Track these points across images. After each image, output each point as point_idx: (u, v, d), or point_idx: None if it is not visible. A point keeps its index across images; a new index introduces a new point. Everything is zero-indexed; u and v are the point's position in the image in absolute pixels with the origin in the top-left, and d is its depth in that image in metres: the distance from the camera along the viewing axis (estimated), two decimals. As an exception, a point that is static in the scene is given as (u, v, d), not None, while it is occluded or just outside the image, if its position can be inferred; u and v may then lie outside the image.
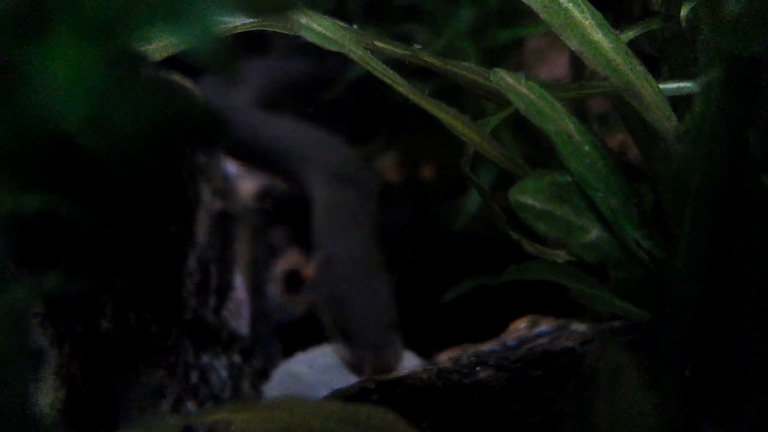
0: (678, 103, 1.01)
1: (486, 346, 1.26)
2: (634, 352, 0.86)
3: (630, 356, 0.84)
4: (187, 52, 0.67)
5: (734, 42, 0.82)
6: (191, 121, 0.71)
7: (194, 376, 1.35)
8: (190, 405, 1.31)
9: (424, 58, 1.04)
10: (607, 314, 1.26)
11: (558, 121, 0.94)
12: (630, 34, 1.05)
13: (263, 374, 1.51)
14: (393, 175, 1.91)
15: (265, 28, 1.03)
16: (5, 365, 0.72)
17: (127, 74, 0.64)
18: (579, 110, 1.34)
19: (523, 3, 1.04)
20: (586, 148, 0.94)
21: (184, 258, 1.38)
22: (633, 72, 1.00)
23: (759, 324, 0.88)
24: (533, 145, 1.55)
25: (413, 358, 1.54)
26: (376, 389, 1.12)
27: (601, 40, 1.01)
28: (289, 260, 1.77)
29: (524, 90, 0.95)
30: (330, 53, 1.05)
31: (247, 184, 1.89)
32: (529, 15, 1.55)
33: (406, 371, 1.19)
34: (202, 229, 1.45)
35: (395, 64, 1.05)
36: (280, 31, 1.03)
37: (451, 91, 1.27)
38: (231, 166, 1.82)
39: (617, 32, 1.03)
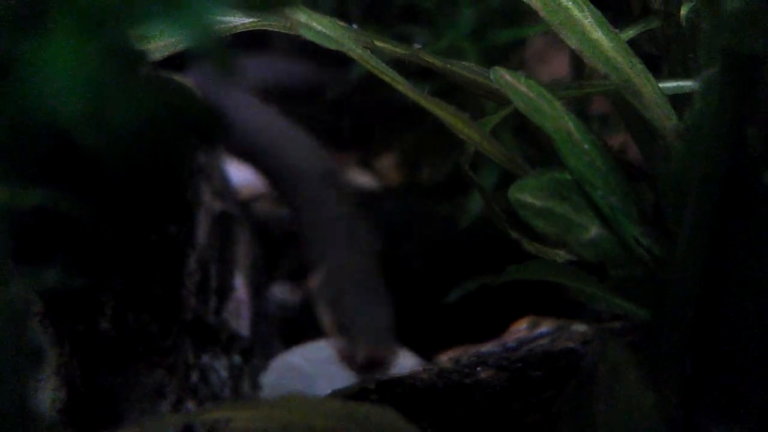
0: (678, 101, 1.01)
1: (486, 347, 1.26)
2: (634, 352, 0.86)
3: (629, 354, 0.84)
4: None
5: (733, 39, 0.82)
6: (190, 119, 0.71)
7: (194, 377, 1.35)
8: (190, 405, 1.31)
9: (424, 58, 1.04)
10: (607, 315, 1.26)
11: (557, 120, 0.94)
12: (630, 33, 1.05)
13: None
14: (393, 175, 1.91)
15: (264, 27, 1.03)
16: (4, 363, 0.72)
17: (125, 70, 0.64)
18: (579, 110, 1.35)
19: (523, 3, 1.04)
20: (586, 146, 0.94)
21: (184, 258, 1.38)
22: (633, 70, 1.00)
23: (758, 321, 0.88)
24: (533, 144, 1.55)
25: (411, 358, 1.54)
26: (376, 388, 1.12)
27: (600, 38, 1.01)
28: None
29: (523, 88, 0.96)
30: (330, 55, 1.05)
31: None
32: (530, 15, 1.55)
33: (407, 371, 1.19)
34: (202, 230, 1.45)
35: (395, 64, 1.05)
36: (279, 30, 1.03)
37: (451, 91, 1.27)
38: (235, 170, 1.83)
39: (617, 31, 1.03)
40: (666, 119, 0.99)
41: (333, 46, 1.02)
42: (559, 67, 1.67)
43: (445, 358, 1.31)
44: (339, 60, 1.05)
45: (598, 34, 1.01)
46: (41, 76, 0.60)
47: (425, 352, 1.55)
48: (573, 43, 1.01)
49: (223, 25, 1.00)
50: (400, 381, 1.14)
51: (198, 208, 1.45)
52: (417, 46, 1.08)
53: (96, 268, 1.21)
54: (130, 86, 0.65)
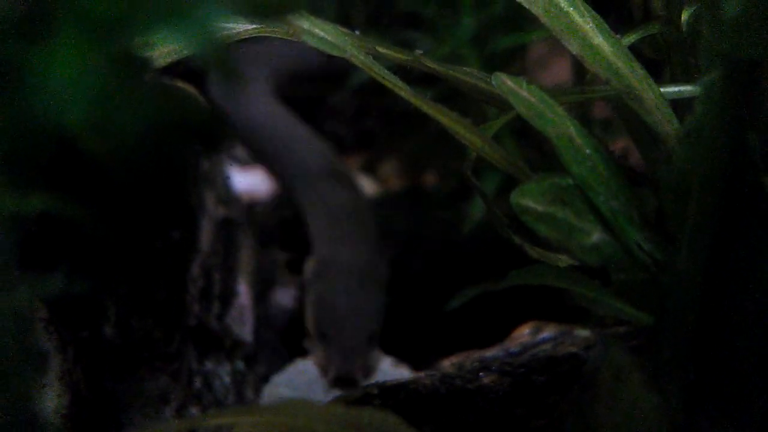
0: (679, 106, 1.01)
1: (489, 352, 1.26)
2: (637, 356, 0.86)
3: (632, 358, 0.84)
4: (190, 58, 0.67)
5: (734, 44, 0.82)
6: (194, 125, 0.71)
7: (198, 383, 1.35)
8: (194, 411, 1.32)
9: (426, 64, 1.05)
10: (610, 320, 1.26)
11: (559, 125, 0.94)
12: (631, 38, 1.05)
13: (267, 381, 1.52)
14: (395, 181, 1.92)
15: (267, 34, 1.03)
16: (8, 368, 0.72)
17: (130, 77, 0.65)
18: (581, 115, 1.35)
19: (524, 9, 1.04)
20: (588, 151, 0.94)
21: (187, 264, 1.38)
22: (634, 76, 1.00)
23: (761, 325, 0.88)
24: (535, 149, 1.56)
25: (406, 372, 1.54)
26: (379, 394, 1.12)
27: (602, 44, 1.01)
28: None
29: (525, 94, 0.96)
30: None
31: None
32: (531, 21, 1.55)
33: (409, 377, 1.19)
34: (205, 236, 1.45)
35: (397, 70, 1.06)
36: (282, 36, 1.04)
37: (453, 97, 1.27)
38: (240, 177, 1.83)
39: (618, 36, 1.03)
40: (667, 124, 0.99)
41: (335, 53, 1.02)
42: (560, 72, 1.68)
43: (447, 364, 1.31)
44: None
45: (599, 40, 1.02)
46: (46, 83, 0.61)
47: (427, 358, 1.55)
48: (574, 48, 1.01)
49: (226, 32, 1.00)
50: (403, 386, 1.14)
51: (201, 215, 1.45)
52: (419, 52, 1.08)
53: (100, 274, 1.21)
54: (135, 93, 0.65)
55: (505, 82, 0.97)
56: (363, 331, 1.52)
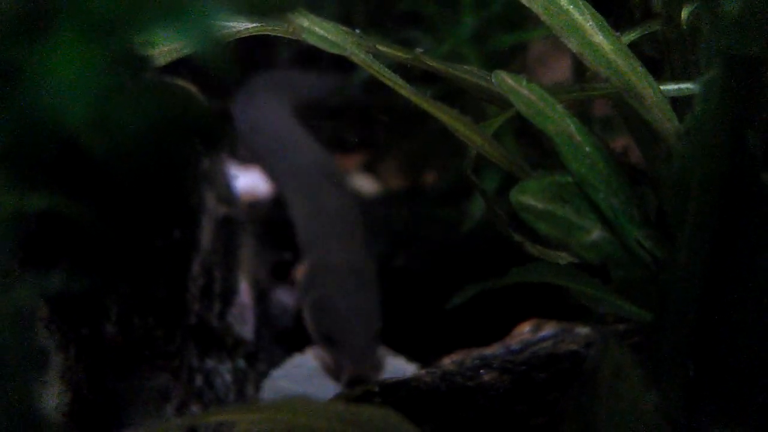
0: (679, 104, 1.01)
1: (490, 350, 1.26)
2: (636, 354, 0.86)
3: (632, 356, 0.84)
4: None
5: (733, 42, 0.82)
6: (194, 124, 0.71)
7: (199, 380, 1.35)
8: (195, 409, 1.32)
9: (426, 62, 1.05)
10: (611, 317, 1.26)
11: (559, 122, 0.94)
12: (631, 36, 1.05)
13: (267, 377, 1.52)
14: (396, 179, 1.92)
15: (267, 32, 1.04)
16: (10, 366, 0.72)
17: (130, 76, 0.65)
18: (581, 113, 1.35)
19: (524, 8, 1.04)
20: (587, 148, 0.94)
21: (188, 263, 1.38)
22: (634, 74, 1.00)
23: (760, 323, 0.88)
24: (535, 147, 1.56)
25: (408, 365, 1.55)
26: (379, 391, 1.12)
27: (602, 42, 1.01)
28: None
29: (525, 92, 0.96)
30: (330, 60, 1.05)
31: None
32: (531, 19, 1.56)
33: (410, 374, 1.19)
34: (206, 235, 1.45)
35: (397, 68, 1.06)
36: (282, 35, 1.04)
37: (453, 95, 1.27)
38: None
39: (618, 34, 1.03)
40: (667, 122, 0.99)
41: (336, 51, 1.02)
42: (560, 70, 1.68)
43: (448, 361, 1.31)
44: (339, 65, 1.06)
45: (599, 38, 1.02)
46: (47, 82, 0.61)
47: (428, 356, 1.55)
48: (574, 46, 1.01)
49: (226, 30, 1.00)
50: (404, 384, 1.14)
51: (202, 213, 1.46)
52: (419, 50, 1.08)
53: (101, 273, 1.22)
54: (135, 92, 0.65)
55: (505, 80, 0.97)
56: (367, 330, 1.52)
